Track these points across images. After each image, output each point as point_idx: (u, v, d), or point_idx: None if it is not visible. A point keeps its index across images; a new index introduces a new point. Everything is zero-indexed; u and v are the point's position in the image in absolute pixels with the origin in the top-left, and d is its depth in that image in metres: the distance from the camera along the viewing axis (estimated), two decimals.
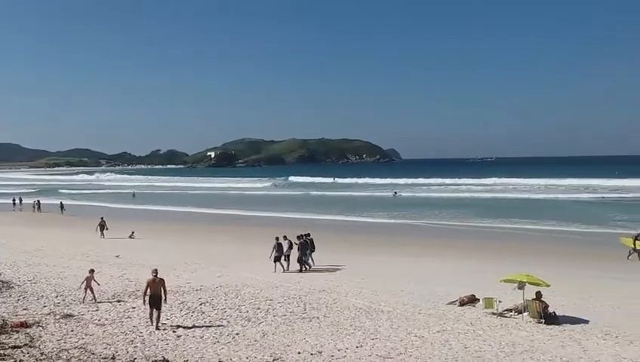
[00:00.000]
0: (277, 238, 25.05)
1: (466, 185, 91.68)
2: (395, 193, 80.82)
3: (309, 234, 25.96)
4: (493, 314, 16.73)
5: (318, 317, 15.80)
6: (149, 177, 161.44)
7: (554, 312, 16.17)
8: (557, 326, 15.42)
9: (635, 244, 27.88)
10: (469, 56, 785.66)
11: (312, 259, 25.43)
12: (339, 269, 25.01)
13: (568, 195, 69.12)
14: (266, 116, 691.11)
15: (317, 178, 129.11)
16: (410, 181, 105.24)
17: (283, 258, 24.76)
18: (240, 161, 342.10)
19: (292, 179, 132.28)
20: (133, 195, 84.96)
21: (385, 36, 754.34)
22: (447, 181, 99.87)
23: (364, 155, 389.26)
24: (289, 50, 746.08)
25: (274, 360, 12.00)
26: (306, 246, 25.10)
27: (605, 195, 67.32)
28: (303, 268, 24.73)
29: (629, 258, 27.76)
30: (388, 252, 30.96)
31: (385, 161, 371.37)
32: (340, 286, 20.86)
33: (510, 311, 16.94)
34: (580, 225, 40.08)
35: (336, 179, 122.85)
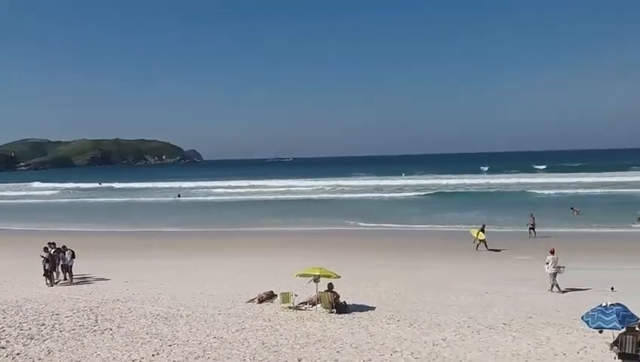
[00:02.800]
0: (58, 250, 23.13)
1: (264, 186, 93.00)
2: (179, 195, 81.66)
3: (54, 244, 23.81)
4: (290, 308, 17.46)
5: (111, 329, 14.89)
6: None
7: (344, 302, 17.42)
8: (347, 315, 16.62)
9: (477, 235, 30.70)
10: (269, 57, 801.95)
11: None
12: (134, 277, 23.78)
13: (357, 195, 74.12)
14: (53, 115, 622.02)
15: (80, 183, 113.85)
16: (200, 183, 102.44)
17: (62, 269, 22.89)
18: (22, 163, 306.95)
19: (36, 185, 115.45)
20: None
21: (167, 35, 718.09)
22: (240, 183, 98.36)
23: (163, 156, 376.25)
24: (80, 47, 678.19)
25: None
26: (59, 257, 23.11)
27: (388, 194, 73.65)
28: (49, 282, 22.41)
29: (478, 248, 30.44)
30: (185, 255, 30.59)
31: (186, 162, 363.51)
32: (137, 294, 19.92)
33: (305, 303, 17.83)
34: (366, 221, 43.83)
35: (103, 183, 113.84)
